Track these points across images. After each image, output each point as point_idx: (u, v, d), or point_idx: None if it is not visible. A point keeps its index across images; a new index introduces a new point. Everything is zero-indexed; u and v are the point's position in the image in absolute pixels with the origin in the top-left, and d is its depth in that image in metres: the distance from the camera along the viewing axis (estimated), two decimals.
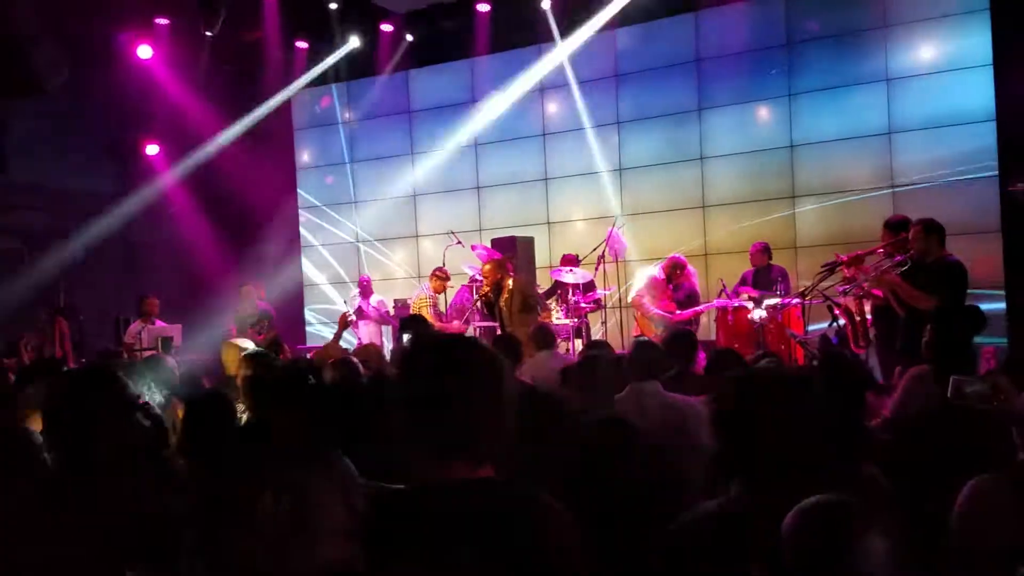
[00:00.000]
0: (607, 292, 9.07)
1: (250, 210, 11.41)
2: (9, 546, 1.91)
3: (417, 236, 11.63)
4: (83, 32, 9.45)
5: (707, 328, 8.70)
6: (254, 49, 10.92)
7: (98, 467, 1.92)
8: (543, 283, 9.59)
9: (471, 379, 1.64)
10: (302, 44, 11.22)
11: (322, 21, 10.40)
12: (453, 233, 9.54)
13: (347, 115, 12.08)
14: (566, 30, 10.14)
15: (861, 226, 8.50)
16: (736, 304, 7.92)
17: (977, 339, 4.41)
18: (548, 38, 10.33)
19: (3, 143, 9.96)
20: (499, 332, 7.56)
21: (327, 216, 12.23)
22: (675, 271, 8.22)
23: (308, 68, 11.47)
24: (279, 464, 1.14)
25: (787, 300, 7.54)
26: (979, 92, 8.48)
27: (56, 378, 3.14)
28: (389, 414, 1.74)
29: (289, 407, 1.99)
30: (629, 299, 8.76)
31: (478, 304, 8.35)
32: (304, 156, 12.42)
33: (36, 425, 2.45)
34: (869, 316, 6.20)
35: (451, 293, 9.27)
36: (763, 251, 8.28)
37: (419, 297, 9.08)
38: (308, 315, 12.34)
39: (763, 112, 9.64)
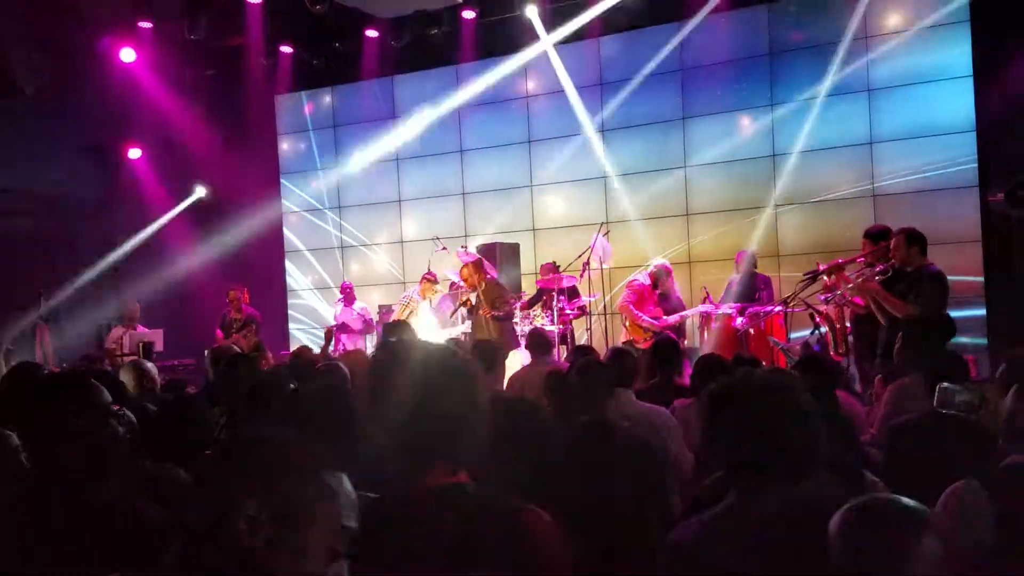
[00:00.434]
0: (592, 298, 9.08)
1: (233, 215, 11.35)
2: None
3: (402, 242, 11.61)
4: (65, 35, 9.39)
5: (692, 334, 8.73)
6: (238, 53, 10.87)
7: (70, 473, 1.90)
8: (528, 290, 9.61)
9: (447, 385, 1.64)
10: (286, 49, 11.19)
11: (306, 26, 10.37)
12: (438, 239, 9.53)
13: (331, 120, 12.05)
14: (551, 37, 10.17)
15: (842, 235, 8.57)
16: (720, 311, 7.96)
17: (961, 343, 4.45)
18: (533, 45, 10.36)
19: None
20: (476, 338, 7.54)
21: (311, 221, 12.18)
22: (661, 277, 8.26)
23: (292, 73, 11.44)
24: (261, 476, 1.12)
25: (769, 308, 7.58)
26: (960, 103, 8.58)
27: (29, 383, 3.11)
28: (366, 421, 1.74)
29: (265, 415, 1.98)
30: (616, 305, 8.78)
31: (462, 311, 8.34)
32: (288, 161, 12.37)
33: None
34: (849, 324, 6.25)
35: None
36: (749, 259, 8.33)
37: (403, 303, 9.05)
38: (291, 320, 12.27)
39: (746, 121, 9.70)
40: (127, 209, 11.06)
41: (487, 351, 4.71)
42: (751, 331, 7.56)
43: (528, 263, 10.24)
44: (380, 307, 10.10)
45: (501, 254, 9.43)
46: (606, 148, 10.31)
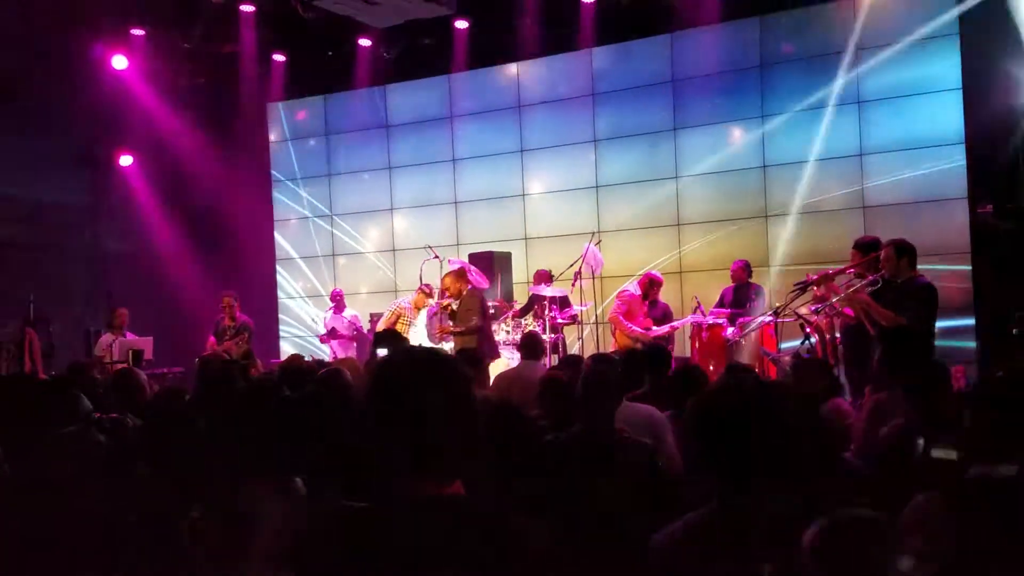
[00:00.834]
0: (584, 308, 9.09)
1: (224, 223, 11.33)
2: None
3: (394, 250, 11.61)
4: (57, 41, 9.37)
5: (682, 345, 8.75)
6: (230, 61, 10.87)
7: (49, 477, 1.89)
8: (520, 299, 9.61)
9: (443, 394, 1.64)
10: (279, 57, 11.20)
11: (299, 34, 10.38)
12: (430, 248, 9.53)
13: (323, 128, 12.05)
14: (544, 48, 10.21)
15: (832, 245, 8.60)
16: (710, 321, 7.97)
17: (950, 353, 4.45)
18: (526, 56, 10.41)
19: None
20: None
21: (302, 229, 12.17)
22: (651, 288, 8.29)
23: (285, 81, 11.45)
24: (216, 479, 1.11)
25: (760, 318, 7.60)
26: (949, 115, 8.62)
27: (11, 390, 3.09)
28: (359, 430, 1.73)
29: (244, 422, 1.97)
30: (607, 317, 8.78)
31: (446, 319, 8.31)
32: (280, 168, 12.36)
33: None
34: (839, 334, 6.27)
35: None
36: (743, 269, 8.34)
37: (393, 311, 9.02)
38: (282, 325, 12.24)
39: (737, 132, 9.75)
40: (118, 216, 11.03)
41: (471, 360, 4.71)
42: (741, 341, 7.58)
43: (520, 272, 10.24)
44: (371, 315, 10.08)
45: (496, 263, 9.41)
46: (598, 158, 10.34)
